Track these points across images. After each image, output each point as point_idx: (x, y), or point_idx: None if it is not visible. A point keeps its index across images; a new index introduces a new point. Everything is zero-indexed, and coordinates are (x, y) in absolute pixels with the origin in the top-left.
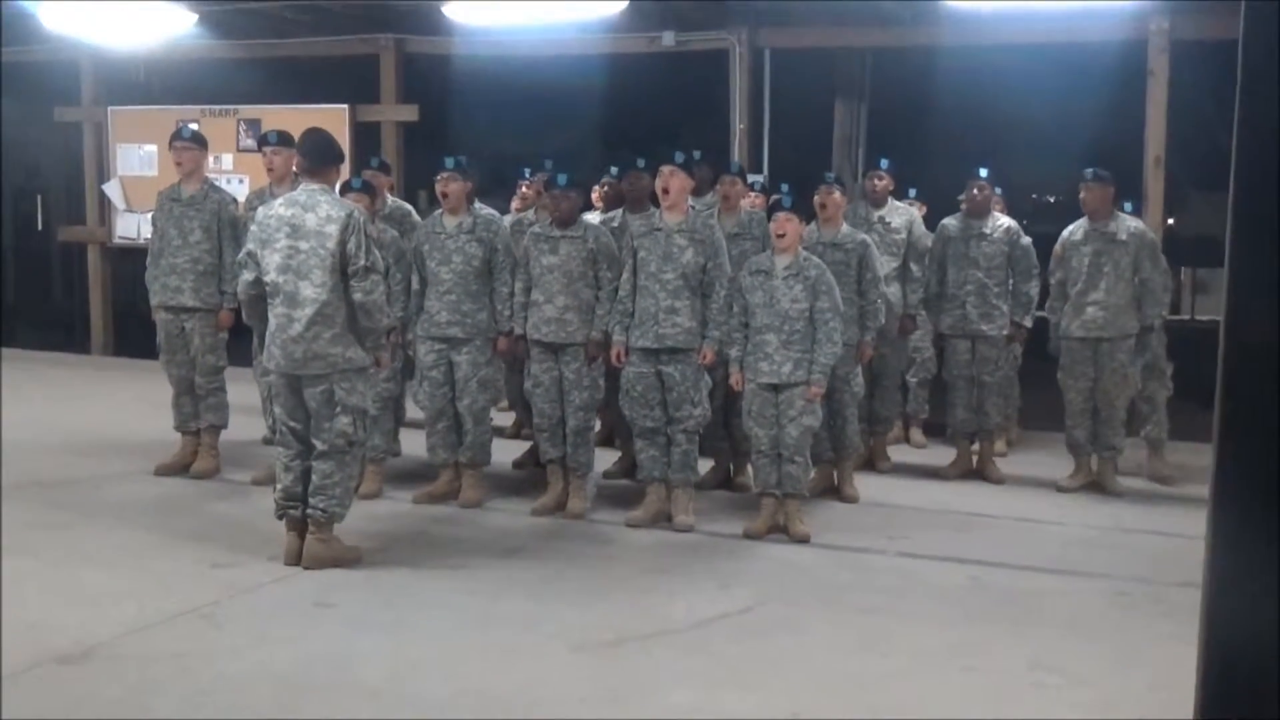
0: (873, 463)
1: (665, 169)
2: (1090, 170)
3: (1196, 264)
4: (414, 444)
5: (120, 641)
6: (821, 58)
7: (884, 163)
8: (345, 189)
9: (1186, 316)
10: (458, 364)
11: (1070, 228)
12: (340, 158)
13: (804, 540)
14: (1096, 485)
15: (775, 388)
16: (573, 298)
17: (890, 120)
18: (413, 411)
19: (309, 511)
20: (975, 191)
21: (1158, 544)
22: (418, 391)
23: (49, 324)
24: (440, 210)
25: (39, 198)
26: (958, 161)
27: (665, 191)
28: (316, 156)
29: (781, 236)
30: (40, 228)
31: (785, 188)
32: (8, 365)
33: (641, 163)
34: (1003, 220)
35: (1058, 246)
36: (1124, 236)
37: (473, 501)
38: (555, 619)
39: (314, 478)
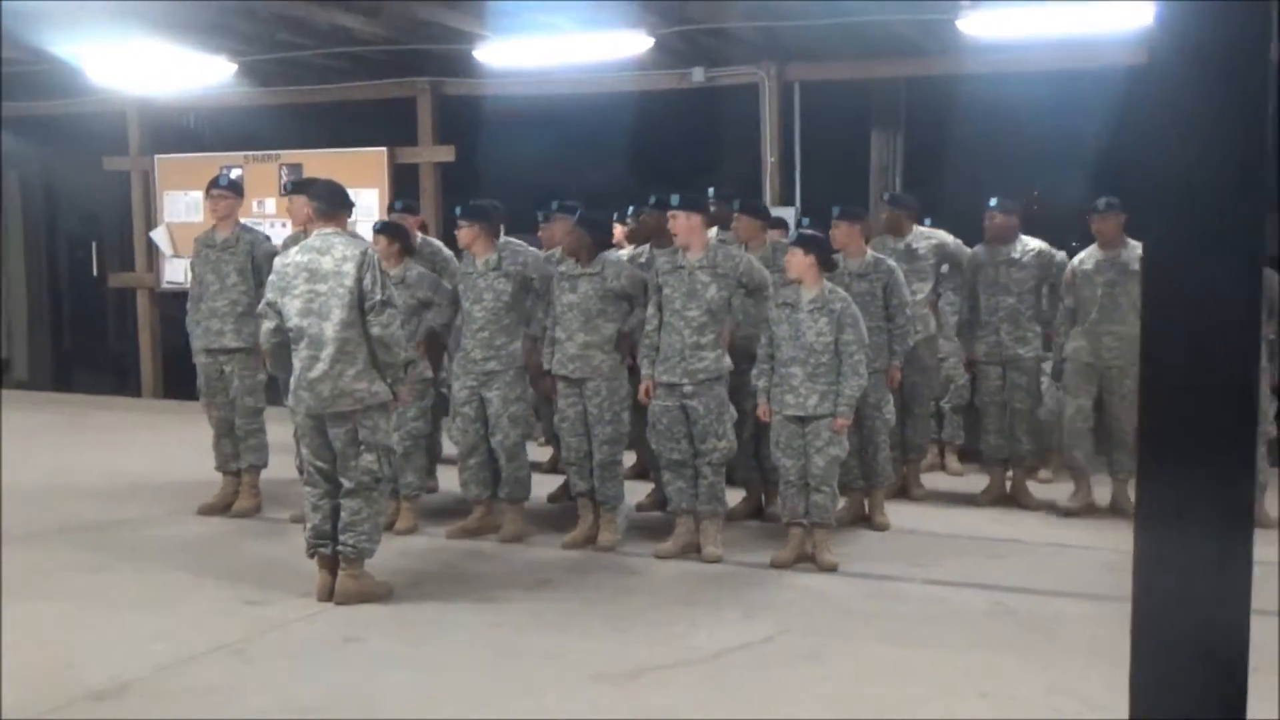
0: (906, 490)
1: (670, 214)
2: (1103, 200)
3: None
4: (450, 480)
5: (154, 678)
6: (855, 88)
7: (887, 195)
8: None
9: None
10: (489, 400)
11: (1081, 256)
12: (349, 204)
13: (831, 569)
14: (1114, 508)
15: (802, 419)
16: (593, 334)
17: (925, 148)
18: (448, 448)
19: (339, 548)
20: (987, 222)
21: None
22: (452, 428)
23: (104, 368)
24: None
25: (94, 244)
26: (996, 185)
27: (675, 234)
28: (328, 202)
29: (788, 271)
30: (95, 274)
31: (805, 221)
32: (63, 410)
33: (652, 199)
34: (1033, 244)
35: (1068, 273)
36: (1136, 266)
37: (513, 536)
38: (579, 650)
39: (343, 515)
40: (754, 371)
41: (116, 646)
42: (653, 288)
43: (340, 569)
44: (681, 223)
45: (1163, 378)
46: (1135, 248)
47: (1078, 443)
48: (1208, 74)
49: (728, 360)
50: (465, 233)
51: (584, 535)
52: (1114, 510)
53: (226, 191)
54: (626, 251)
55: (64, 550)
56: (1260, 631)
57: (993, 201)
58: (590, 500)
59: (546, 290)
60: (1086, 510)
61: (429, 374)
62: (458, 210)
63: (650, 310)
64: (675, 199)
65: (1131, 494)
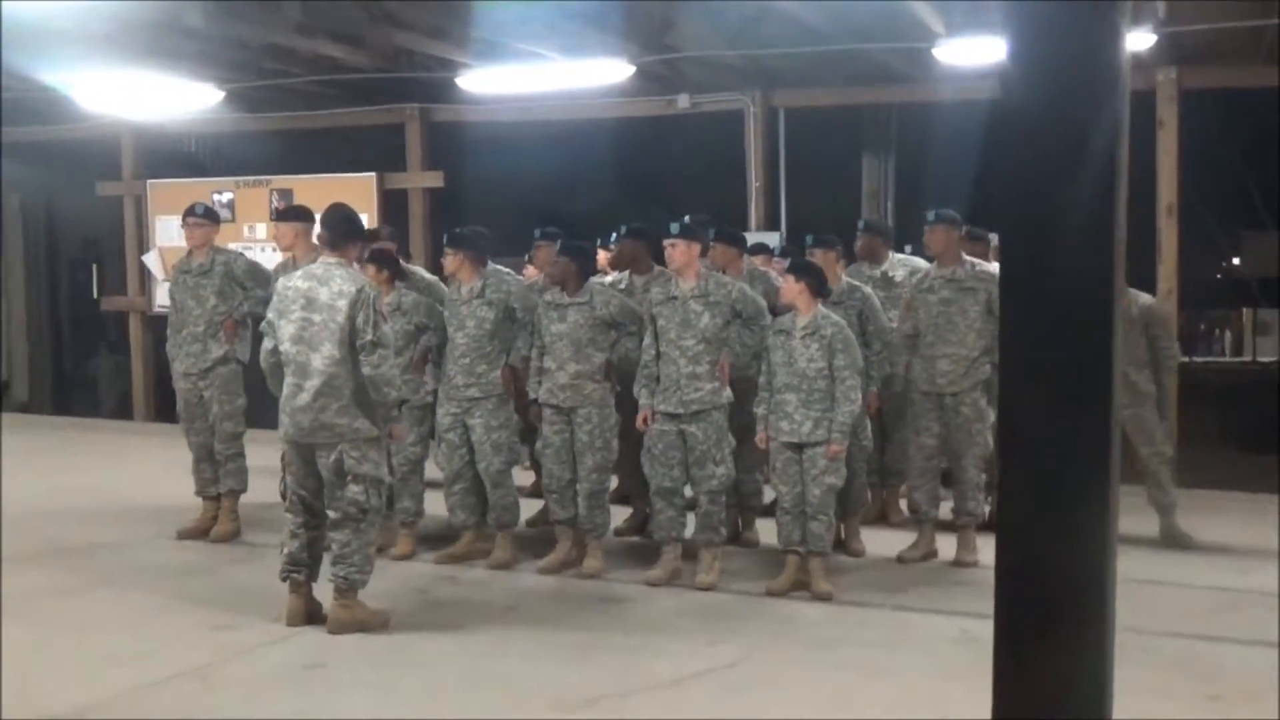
0: (885, 515)
1: (666, 241)
2: (932, 212)
3: (1256, 304)
4: (434, 505)
5: (114, 702)
6: (841, 114)
7: (861, 222)
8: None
9: (1248, 358)
10: (472, 427)
11: (918, 275)
12: (361, 234)
13: (826, 598)
14: (956, 560)
15: (798, 446)
16: (584, 363)
17: (917, 172)
18: (430, 472)
19: (331, 579)
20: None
21: (1156, 593)
22: (437, 453)
23: (102, 391)
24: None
25: (94, 267)
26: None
27: (672, 263)
28: (335, 231)
29: (782, 298)
30: (96, 296)
31: (778, 250)
32: (56, 433)
33: (623, 228)
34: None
35: (906, 294)
36: (973, 283)
37: (501, 562)
38: (540, 678)
39: (333, 547)
40: (756, 399)
41: (80, 671)
42: (646, 318)
43: (334, 599)
44: (681, 251)
45: (1021, 401)
46: (972, 264)
47: (921, 484)
48: (1061, 109)
49: (727, 392)
50: (451, 260)
51: (560, 561)
52: (955, 563)
53: (203, 219)
54: (610, 278)
55: (40, 573)
56: (1261, 661)
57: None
58: (569, 528)
59: (529, 319)
60: (928, 558)
61: (429, 399)
62: (446, 238)
63: (647, 340)
64: (674, 227)
65: (974, 542)
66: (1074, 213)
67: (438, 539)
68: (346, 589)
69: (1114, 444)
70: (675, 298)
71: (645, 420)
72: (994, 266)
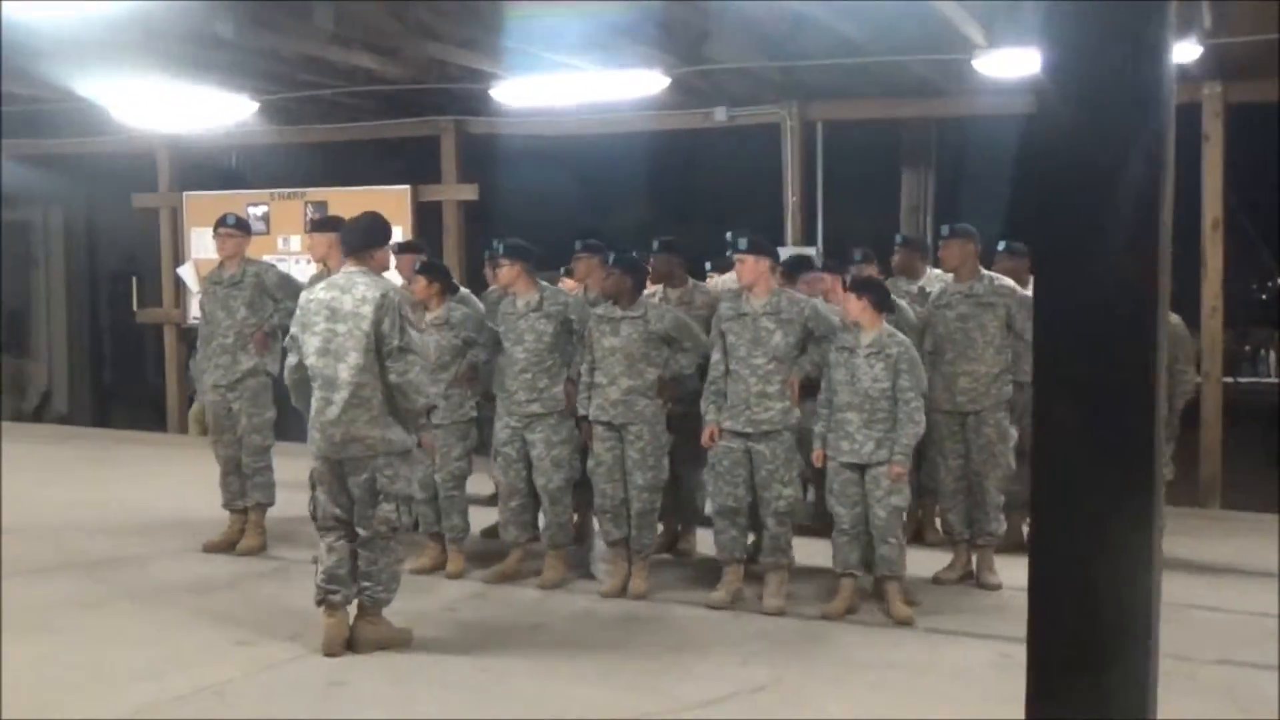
0: (921, 535)
1: (736, 257)
2: (946, 226)
3: None
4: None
5: (133, 717)
6: (880, 127)
7: (899, 237)
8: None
9: None
10: (532, 443)
11: (935, 290)
12: (381, 241)
13: (907, 622)
14: (979, 581)
15: (859, 467)
16: (636, 378)
17: (957, 186)
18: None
19: (356, 596)
20: (995, 265)
21: (1201, 619)
22: (493, 468)
23: (141, 403)
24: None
25: (134, 279)
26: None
27: (740, 279)
28: (354, 239)
29: (846, 315)
30: (135, 309)
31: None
32: (90, 444)
33: (655, 244)
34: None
35: (924, 312)
36: (991, 298)
37: (554, 582)
38: (563, 698)
39: (360, 564)
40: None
41: (98, 686)
42: (716, 334)
43: (358, 616)
44: (749, 267)
45: (1058, 419)
46: (990, 279)
47: (954, 506)
48: (1102, 128)
49: (797, 412)
50: (507, 272)
51: (621, 584)
52: (979, 584)
53: (234, 230)
54: (646, 291)
55: (65, 586)
56: (1262, 684)
57: (1001, 245)
58: (625, 548)
59: (583, 325)
60: (964, 579)
61: (474, 413)
62: (500, 249)
63: (715, 356)
64: (742, 243)
65: (995, 564)
66: (1116, 227)
67: (475, 556)
68: (371, 606)
69: (1157, 463)
70: (746, 314)
71: (711, 436)
72: (1008, 280)
